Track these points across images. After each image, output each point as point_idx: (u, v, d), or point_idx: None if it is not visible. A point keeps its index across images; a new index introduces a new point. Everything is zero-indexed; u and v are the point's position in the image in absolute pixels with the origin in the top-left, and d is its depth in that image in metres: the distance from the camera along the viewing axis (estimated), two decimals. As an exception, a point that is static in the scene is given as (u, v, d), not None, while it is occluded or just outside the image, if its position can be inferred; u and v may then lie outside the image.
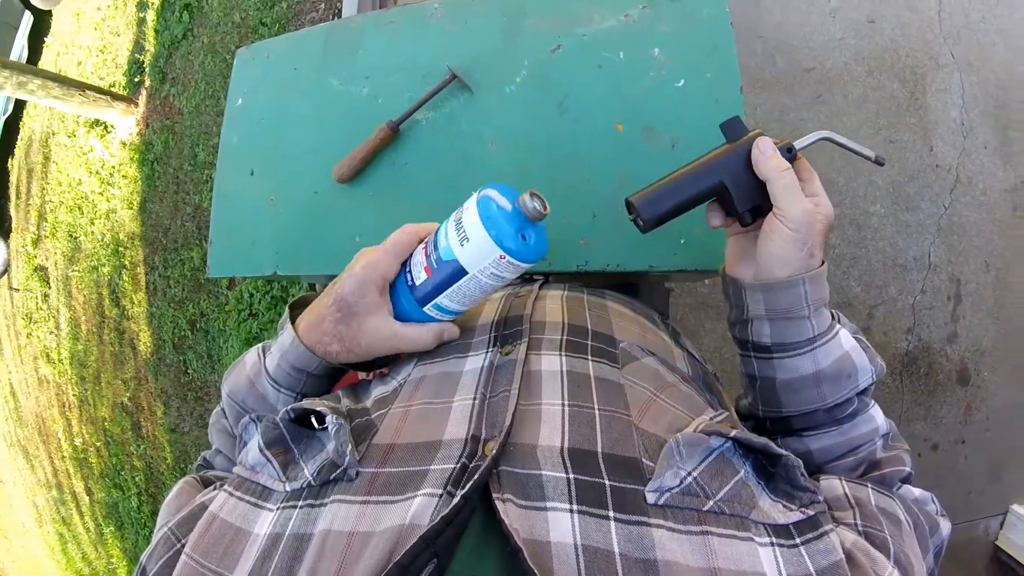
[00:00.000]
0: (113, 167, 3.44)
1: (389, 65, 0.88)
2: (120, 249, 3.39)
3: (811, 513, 0.35)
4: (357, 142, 0.84)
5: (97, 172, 3.55)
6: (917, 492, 0.50)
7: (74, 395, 4.07)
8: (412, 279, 0.50)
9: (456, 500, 0.32)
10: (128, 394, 3.52)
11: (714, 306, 2.12)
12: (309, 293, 0.58)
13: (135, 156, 3.27)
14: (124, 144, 3.38)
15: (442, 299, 0.50)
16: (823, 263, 0.49)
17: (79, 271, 3.78)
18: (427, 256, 0.49)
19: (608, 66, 0.80)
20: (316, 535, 0.34)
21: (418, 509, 0.33)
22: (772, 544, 0.33)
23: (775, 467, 0.37)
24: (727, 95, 0.77)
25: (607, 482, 0.35)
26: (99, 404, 3.80)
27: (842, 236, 2.15)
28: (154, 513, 3.57)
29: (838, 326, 0.51)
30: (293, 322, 0.55)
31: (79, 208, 3.73)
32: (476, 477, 0.34)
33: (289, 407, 0.43)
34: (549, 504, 0.33)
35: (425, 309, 0.51)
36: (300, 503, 0.38)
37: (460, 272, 0.47)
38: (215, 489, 0.43)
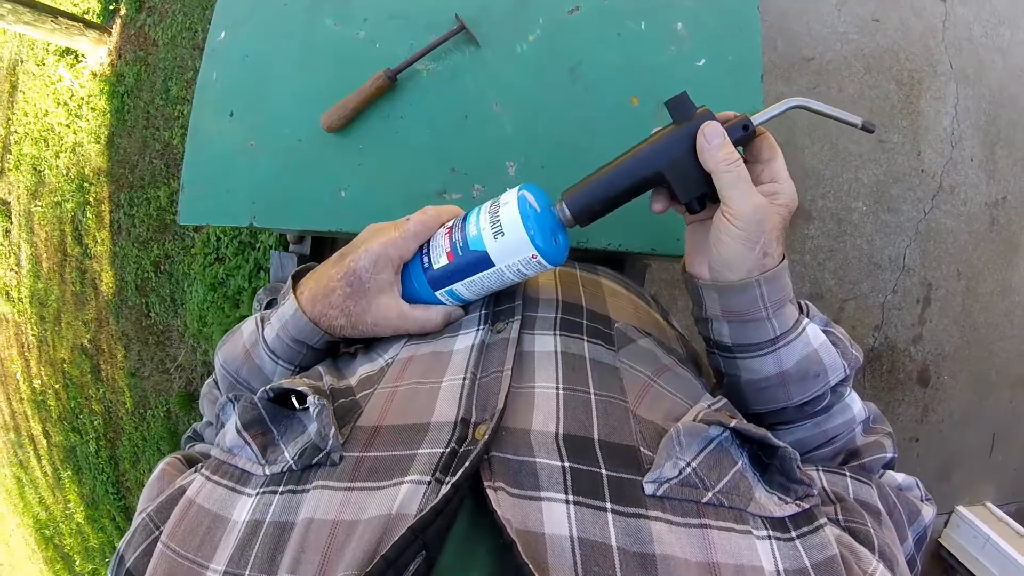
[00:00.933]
0: (82, 98, 3.27)
1: (390, 8, 0.81)
2: (85, 185, 3.25)
3: (806, 506, 0.34)
4: (349, 89, 0.78)
5: (65, 103, 3.37)
6: (900, 478, 0.49)
7: (33, 335, 3.95)
8: (429, 262, 0.49)
9: (446, 489, 0.31)
10: (88, 336, 3.43)
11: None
12: (311, 263, 0.55)
13: (105, 88, 3.10)
14: (95, 75, 3.20)
15: (458, 286, 0.49)
16: (782, 259, 0.45)
17: (42, 207, 3.61)
18: (451, 242, 0.48)
19: (627, 35, 0.76)
20: (298, 523, 0.33)
21: (405, 497, 0.32)
22: (769, 537, 0.32)
23: (771, 459, 0.37)
24: (747, 81, 0.74)
25: (604, 472, 0.34)
26: (59, 345, 3.69)
27: (822, 228, 2.17)
28: (112, 458, 3.53)
29: (806, 321, 0.47)
30: (296, 292, 0.52)
31: (45, 140, 3.55)
32: (467, 464, 0.32)
33: (268, 387, 0.41)
34: (544, 494, 0.32)
35: (437, 293, 0.50)
36: (281, 488, 0.36)
37: (486, 264, 0.47)
38: (194, 472, 0.41)
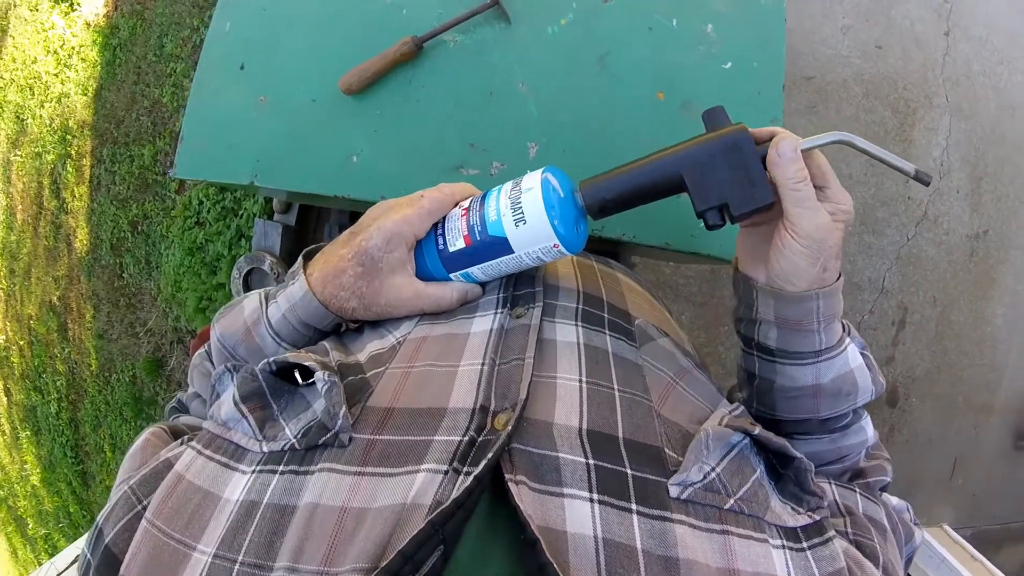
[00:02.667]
0: (73, 48, 3.15)
1: (421, -25, 0.79)
2: (68, 137, 3.13)
3: (817, 518, 0.35)
4: (370, 53, 0.76)
5: (55, 52, 3.25)
6: (894, 501, 0.50)
7: (1, 288, 3.80)
8: (444, 243, 0.48)
9: (468, 481, 0.29)
10: (58, 293, 3.31)
11: (673, 287, 2.14)
12: (320, 244, 0.53)
13: (98, 39, 2.99)
14: (88, 24, 3.09)
15: (474, 269, 0.48)
16: (840, 275, 0.45)
17: (21, 156, 3.48)
18: (469, 225, 0.46)
19: (659, 31, 0.77)
20: (301, 508, 0.31)
21: (421, 486, 0.30)
22: (783, 547, 0.32)
23: (785, 468, 0.36)
24: (769, 90, 0.75)
25: (629, 471, 0.33)
26: (27, 300, 3.56)
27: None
28: (72, 421, 3.42)
29: (848, 341, 0.47)
30: (306, 273, 0.50)
31: (30, 88, 3.41)
32: (490, 455, 0.30)
33: (271, 358, 0.39)
34: (567, 491, 0.31)
35: (451, 275, 0.49)
36: (282, 468, 0.33)
37: (506, 250, 0.45)
38: (182, 444, 0.38)
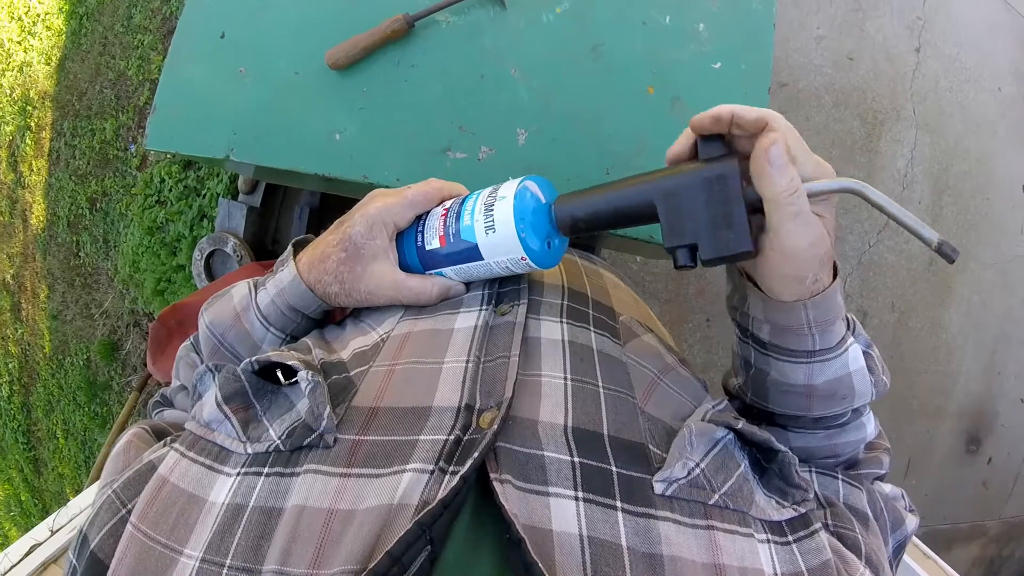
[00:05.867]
0: (38, 15, 3.00)
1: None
2: (28, 108, 2.98)
3: (802, 511, 0.35)
4: (358, 27, 0.74)
5: (20, 19, 3.09)
6: (888, 488, 0.49)
7: (-47, 265, 3.62)
8: (423, 240, 0.48)
9: (455, 481, 0.29)
10: (12, 271, 3.17)
11: (639, 283, 2.16)
12: (309, 236, 0.54)
13: (64, 7, 2.86)
14: (56, -9, 2.98)
15: (448, 270, 0.48)
16: (833, 279, 0.41)
17: (-22, 127, 3.32)
18: (445, 226, 0.46)
19: (652, 26, 0.77)
20: (287, 510, 0.31)
21: (407, 486, 0.30)
22: (768, 541, 0.33)
23: (770, 462, 0.36)
24: (756, 92, 0.77)
25: (614, 468, 0.33)
26: (-22, 278, 3.41)
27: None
28: (24, 405, 3.27)
29: (850, 340, 0.43)
30: (295, 259, 0.51)
31: (-8, 56, 3.27)
32: (476, 454, 0.30)
33: (253, 358, 0.38)
34: (551, 489, 0.31)
35: (428, 273, 0.49)
36: (267, 470, 0.33)
37: (476, 256, 0.45)
38: (165, 446, 0.38)
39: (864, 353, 0.45)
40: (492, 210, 0.43)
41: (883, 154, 2.35)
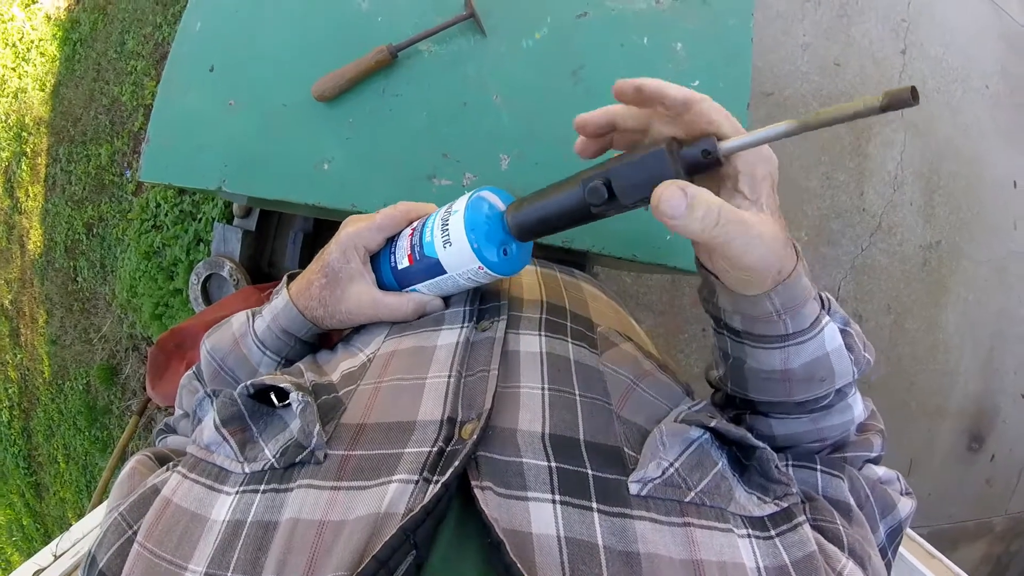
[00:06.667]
0: (32, 42, 3.03)
1: (397, -17, 0.79)
2: (23, 134, 3.00)
3: (784, 505, 0.35)
4: (343, 59, 0.76)
5: (14, 45, 3.12)
6: (881, 472, 0.48)
7: (-49, 291, 3.62)
8: (395, 260, 0.50)
9: (436, 488, 0.31)
10: (10, 296, 3.17)
11: (634, 296, 2.16)
12: (300, 270, 0.57)
13: (58, 33, 2.88)
14: (49, 18, 2.98)
15: (421, 287, 0.50)
16: (795, 266, 0.39)
17: (-26, 154, 3.34)
18: (412, 245, 0.49)
19: (630, 47, 0.78)
20: (283, 524, 0.32)
21: (393, 496, 0.32)
22: (749, 536, 0.33)
23: (749, 459, 0.37)
24: (734, 109, 0.73)
25: (590, 472, 0.34)
26: (-23, 304, 3.41)
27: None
28: (25, 430, 3.26)
29: (825, 321, 0.42)
30: (288, 288, 0.54)
31: (-14, 83, 3.29)
32: (456, 463, 0.32)
33: (248, 382, 0.40)
34: (530, 494, 0.32)
35: (404, 290, 0.51)
36: (263, 487, 0.35)
37: (439, 270, 0.47)
38: (168, 470, 0.40)
39: (842, 331, 0.44)
40: (447, 225, 0.45)
41: (872, 158, 2.36)
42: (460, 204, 0.45)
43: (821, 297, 0.44)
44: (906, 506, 0.46)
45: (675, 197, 0.32)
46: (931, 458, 2.46)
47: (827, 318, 0.42)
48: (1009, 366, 2.56)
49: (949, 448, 2.48)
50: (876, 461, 0.49)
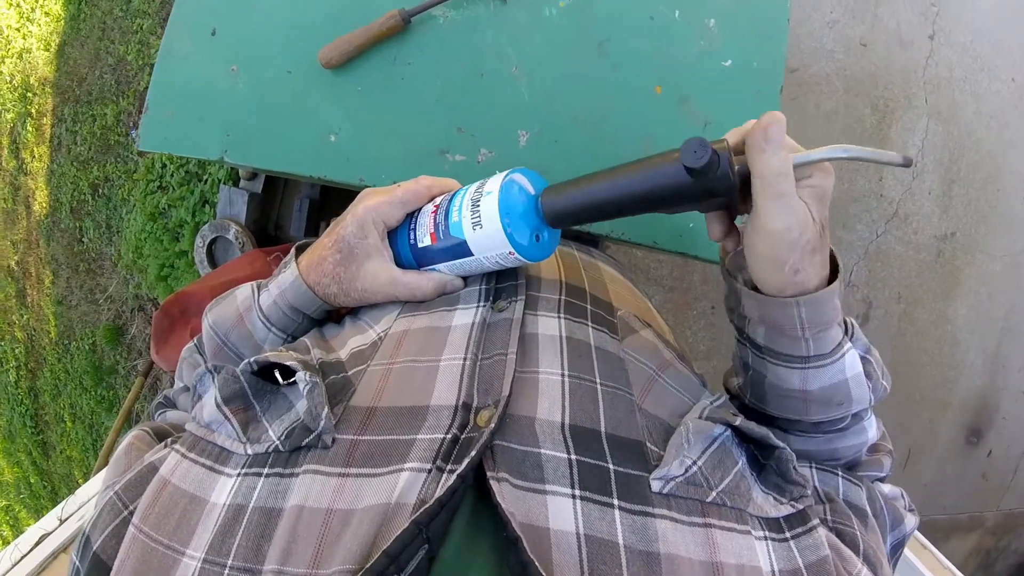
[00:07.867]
0: (36, 1, 2.99)
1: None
2: (28, 95, 2.97)
3: (800, 507, 0.35)
4: (351, 24, 0.72)
5: (18, 5, 3.07)
6: (887, 489, 0.48)
7: (-42, 254, 3.63)
8: (415, 238, 0.48)
9: (451, 480, 0.29)
10: (16, 257, 3.19)
11: (644, 270, 2.15)
12: (310, 239, 0.54)
13: (63, -8, 2.86)
14: (55, -23, 2.94)
15: (441, 267, 0.48)
16: (829, 281, 0.41)
17: (-21, 115, 3.31)
18: (435, 223, 0.47)
19: (660, 21, 0.74)
20: (287, 511, 0.31)
21: (405, 485, 0.30)
22: (766, 538, 0.33)
23: (767, 459, 0.36)
24: (767, 91, 0.74)
25: (612, 467, 0.33)
26: (-16, 265, 3.42)
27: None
28: (32, 390, 3.32)
29: (847, 347, 0.43)
30: (296, 262, 0.52)
31: (-9, 44, 3.24)
32: (472, 453, 0.31)
33: (252, 359, 0.39)
34: (548, 487, 0.31)
35: (422, 269, 0.50)
36: (267, 471, 0.34)
37: (466, 252, 0.45)
38: (166, 447, 0.38)
39: (862, 358, 0.44)
40: (479, 206, 0.43)
41: (893, 142, 2.31)
42: (494, 185, 0.43)
43: (845, 323, 0.45)
44: (911, 522, 0.47)
45: (782, 132, 0.37)
46: (930, 449, 2.47)
47: (848, 344, 0.43)
48: (1015, 363, 2.54)
49: (948, 440, 2.49)
50: (883, 480, 0.50)
